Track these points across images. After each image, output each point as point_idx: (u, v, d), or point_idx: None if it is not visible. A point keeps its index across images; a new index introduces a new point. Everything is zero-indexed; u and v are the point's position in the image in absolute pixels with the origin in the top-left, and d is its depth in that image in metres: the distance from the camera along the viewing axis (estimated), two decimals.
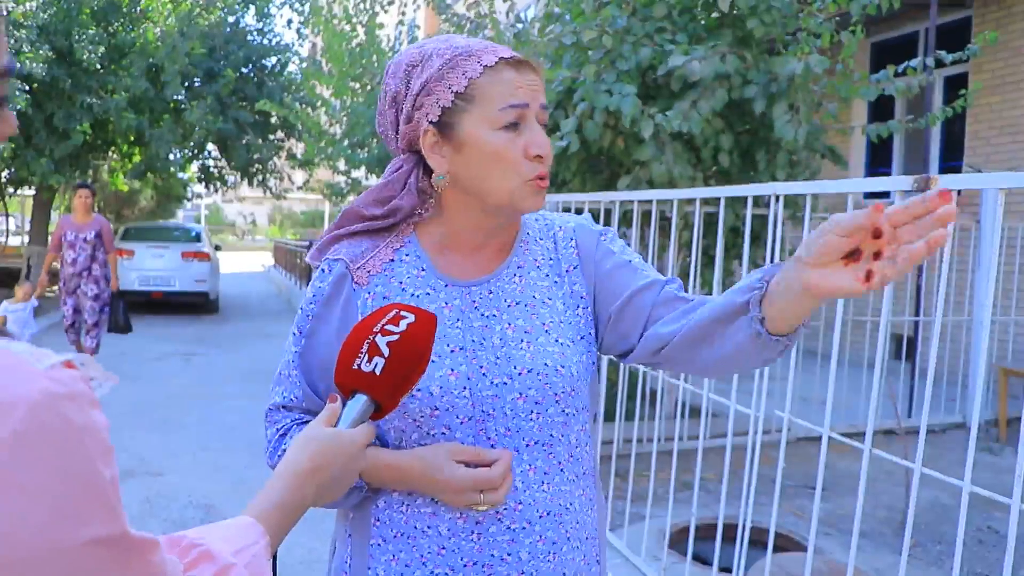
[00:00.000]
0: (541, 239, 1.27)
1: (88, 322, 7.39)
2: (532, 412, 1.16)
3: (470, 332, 1.17)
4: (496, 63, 1.12)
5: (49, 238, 7.82)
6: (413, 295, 1.19)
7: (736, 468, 3.68)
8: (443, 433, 1.14)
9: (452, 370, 1.14)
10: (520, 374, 1.15)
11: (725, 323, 1.09)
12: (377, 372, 0.97)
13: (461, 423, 1.14)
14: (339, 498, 1.04)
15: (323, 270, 1.23)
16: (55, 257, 7.41)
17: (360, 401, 0.98)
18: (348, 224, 1.25)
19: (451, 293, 1.19)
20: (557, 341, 1.18)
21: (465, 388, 1.14)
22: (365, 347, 0.98)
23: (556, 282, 1.24)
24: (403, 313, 1.00)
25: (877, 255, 0.88)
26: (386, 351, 0.97)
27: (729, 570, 3.00)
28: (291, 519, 0.89)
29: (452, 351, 1.16)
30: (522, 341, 1.17)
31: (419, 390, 1.12)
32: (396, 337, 0.98)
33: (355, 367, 0.98)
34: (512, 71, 1.13)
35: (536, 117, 1.14)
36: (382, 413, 1.01)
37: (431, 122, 1.14)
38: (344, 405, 0.99)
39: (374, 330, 0.98)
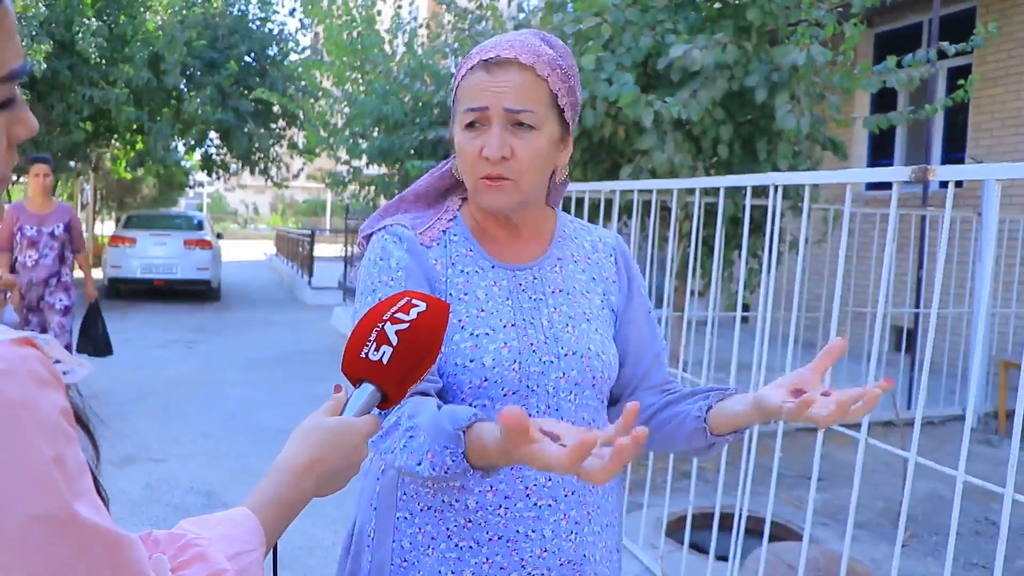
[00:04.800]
0: (576, 238, 1.35)
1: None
2: (571, 393, 1.21)
3: (520, 311, 1.22)
4: (473, 67, 1.18)
5: None
6: (463, 271, 1.24)
7: (733, 458, 3.70)
8: (484, 405, 1.17)
9: (505, 343, 1.18)
10: (567, 355, 1.21)
11: (679, 425, 1.25)
12: (384, 361, 0.94)
13: (505, 396, 1.18)
14: (345, 484, 1.02)
15: (396, 239, 1.24)
16: (9, 258, 5.56)
17: (367, 391, 0.95)
18: (401, 204, 1.35)
19: (499, 273, 1.25)
20: (597, 331, 1.26)
21: (516, 362, 1.18)
22: (373, 335, 0.95)
23: (594, 280, 1.32)
24: (415, 301, 0.97)
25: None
26: (395, 340, 0.94)
27: (725, 559, 3.02)
28: (290, 513, 0.87)
29: (505, 326, 1.20)
30: (567, 325, 1.23)
31: (472, 360, 1.16)
32: (406, 326, 0.94)
33: (362, 355, 0.94)
34: (483, 73, 1.17)
35: (502, 119, 1.16)
36: (389, 403, 0.98)
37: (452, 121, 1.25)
38: (350, 395, 0.97)
39: (384, 318, 0.95)
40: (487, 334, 1.18)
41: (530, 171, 1.18)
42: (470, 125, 1.17)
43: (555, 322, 1.23)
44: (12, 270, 5.51)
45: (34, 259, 5.52)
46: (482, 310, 1.20)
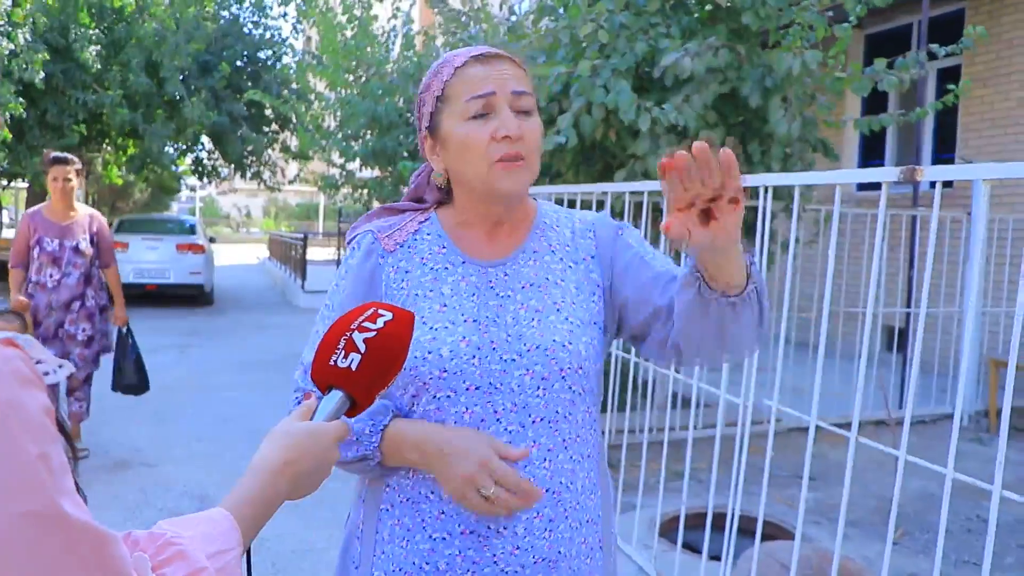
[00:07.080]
0: (558, 227, 1.34)
1: (76, 376, 4.70)
2: (539, 388, 1.20)
3: (484, 308, 1.23)
4: (465, 62, 1.21)
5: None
6: (432, 268, 1.26)
7: (726, 458, 3.71)
8: (448, 397, 1.19)
9: (464, 338, 1.20)
10: (529, 351, 1.20)
11: (685, 289, 1.15)
12: (353, 368, 0.98)
13: (467, 390, 1.19)
14: (316, 488, 1.06)
15: (353, 247, 1.32)
16: (24, 275, 4.62)
17: (336, 397, 0.99)
18: (381, 212, 1.38)
19: (468, 269, 1.27)
20: (567, 319, 1.24)
21: (475, 357, 1.19)
22: (342, 343, 0.99)
23: (571, 267, 1.30)
24: (381, 311, 1.01)
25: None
26: (362, 347, 0.98)
27: (718, 558, 3.03)
28: (264, 514, 0.89)
29: (465, 321, 1.21)
30: (533, 320, 1.23)
31: (430, 352, 1.18)
32: (373, 334, 0.99)
33: (331, 363, 0.99)
34: (480, 66, 1.21)
35: (509, 103, 1.20)
36: (357, 410, 1.01)
37: (426, 128, 1.27)
38: (320, 401, 1.00)
39: (351, 327, 1.00)
40: (446, 327, 1.20)
41: (536, 152, 1.23)
42: (476, 115, 1.20)
43: (520, 318, 1.23)
44: (27, 291, 4.63)
45: (55, 279, 4.58)
46: (444, 305, 1.23)
